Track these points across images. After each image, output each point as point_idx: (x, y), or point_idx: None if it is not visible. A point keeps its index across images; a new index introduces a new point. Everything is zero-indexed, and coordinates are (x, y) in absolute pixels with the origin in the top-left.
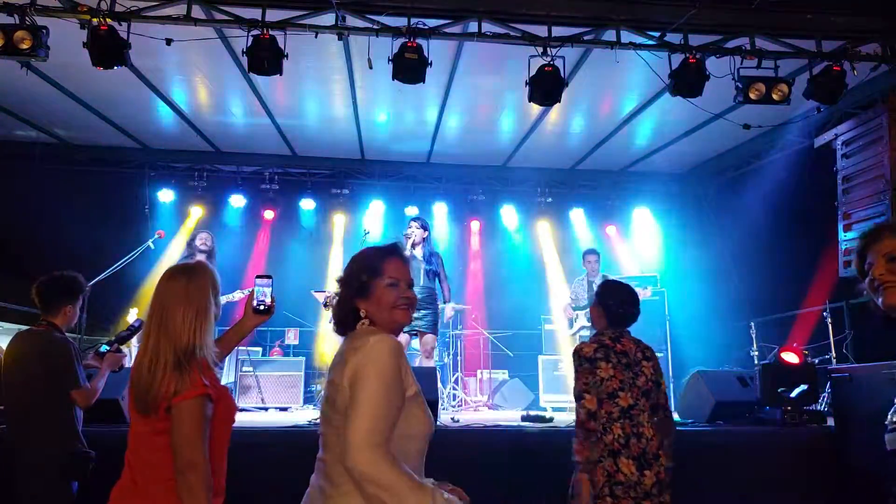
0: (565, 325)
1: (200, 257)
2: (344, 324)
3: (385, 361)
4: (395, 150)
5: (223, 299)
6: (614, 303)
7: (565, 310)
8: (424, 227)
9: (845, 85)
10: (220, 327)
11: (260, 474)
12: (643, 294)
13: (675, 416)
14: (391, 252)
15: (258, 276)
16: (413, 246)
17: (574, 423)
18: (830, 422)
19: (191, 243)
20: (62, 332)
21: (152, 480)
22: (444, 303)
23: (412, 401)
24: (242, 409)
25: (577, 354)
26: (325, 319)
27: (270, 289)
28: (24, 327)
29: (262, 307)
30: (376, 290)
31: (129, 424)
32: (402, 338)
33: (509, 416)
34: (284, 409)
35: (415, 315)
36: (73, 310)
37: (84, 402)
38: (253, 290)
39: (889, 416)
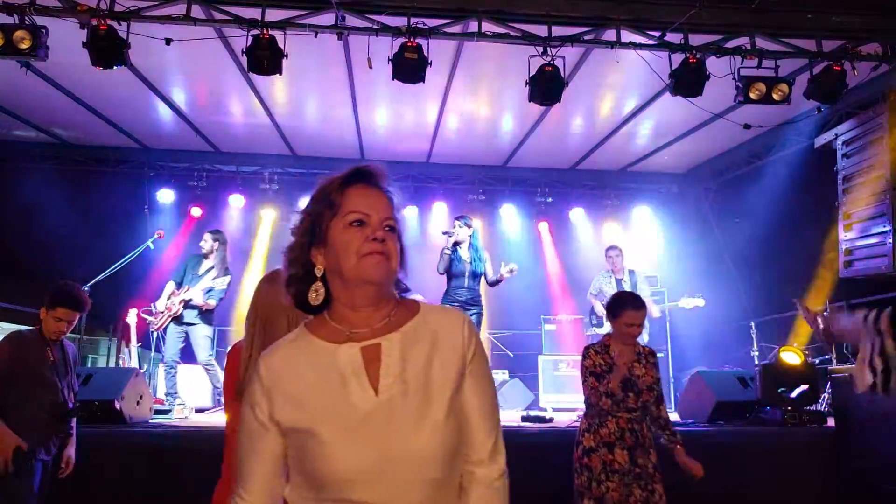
0: (587, 321)
1: (208, 259)
2: (298, 293)
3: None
4: (395, 150)
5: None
6: None
7: (593, 303)
8: (469, 227)
9: (846, 85)
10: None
11: None
12: (695, 303)
13: (676, 416)
14: (354, 177)
15: None
16: (458, 245)
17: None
18: (831, 422)
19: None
20: (39, 332)
21: None
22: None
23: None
24: None
25: None
26: None
27: None
28: (24, 327)
29: None
30: (332, 234)
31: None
32: None
33: (509, 417)
34: None
35: None
36: (43, 312)
37: None
38: None
39: None
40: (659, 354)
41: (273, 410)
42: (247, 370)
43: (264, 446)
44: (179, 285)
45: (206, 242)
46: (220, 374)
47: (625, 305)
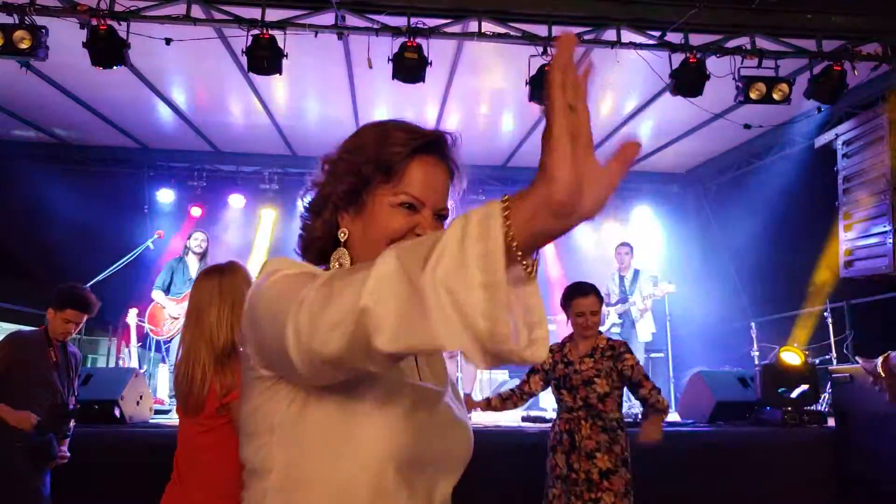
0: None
1: (194, 258)
2: (313, 249)
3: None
4: None
5: None
6: None
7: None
8: None
9: (846, 85)
10: None
11: None
12: (667, 289)
13: (676, 416)
14: (429, 145)
15: None
16: None
17: None
18: (831, 422)
19: (186, 243)
20: (44, 333)
21: (197, 480)
22: None
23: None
24: None
25: None
26: None
27: None
28: (24, 327)
29: None
30: (373, 204)
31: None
32: None
33: (509, 417)
34: None
35: None
36: (51, 313)
37: None
38: None
39: None
40: (659, 354)
41: None
42: (181, 361)
43: None
44: (167, 291)
45: (205, 242)
46: None
47: (572, 294)
